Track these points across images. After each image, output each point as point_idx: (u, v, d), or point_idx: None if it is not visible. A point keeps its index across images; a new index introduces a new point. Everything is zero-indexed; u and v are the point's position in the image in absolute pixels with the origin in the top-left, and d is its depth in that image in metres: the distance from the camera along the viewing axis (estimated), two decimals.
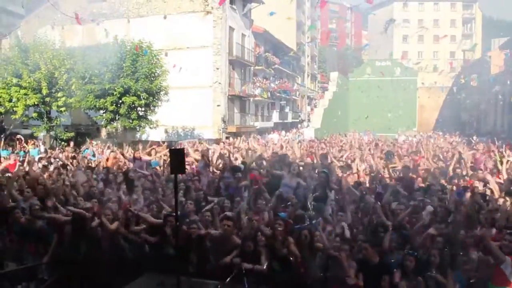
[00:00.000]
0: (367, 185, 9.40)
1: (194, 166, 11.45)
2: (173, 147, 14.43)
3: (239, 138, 19.20)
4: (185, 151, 10.52)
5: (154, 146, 14.45)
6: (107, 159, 12.64)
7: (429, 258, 5.52)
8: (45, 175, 9.45)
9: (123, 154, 12.48)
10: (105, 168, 11.04)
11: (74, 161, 12.72)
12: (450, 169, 10.82)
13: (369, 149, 15.37)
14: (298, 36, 46.03)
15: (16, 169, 10.53)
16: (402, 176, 9.64)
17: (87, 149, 17.21)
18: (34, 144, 17.49)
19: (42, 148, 17.70)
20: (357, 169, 10.71)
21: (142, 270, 5.82)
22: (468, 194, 7.70)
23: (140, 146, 13.99)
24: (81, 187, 8.49)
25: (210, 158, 11.56)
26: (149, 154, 13.24)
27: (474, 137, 24.12)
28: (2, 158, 12.54)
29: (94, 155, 15.34)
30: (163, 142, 18.63)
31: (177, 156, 5.13)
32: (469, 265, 5.39)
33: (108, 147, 15.83)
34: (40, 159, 12.94)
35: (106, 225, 6.28)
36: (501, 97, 37.13)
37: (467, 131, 40.69)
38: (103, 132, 23.71)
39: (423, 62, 57.47)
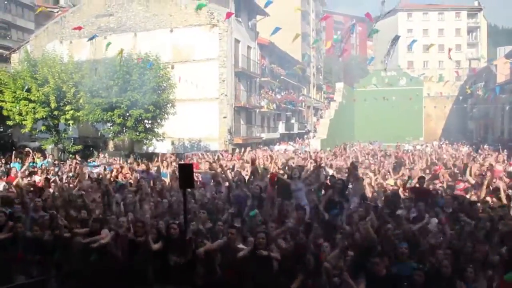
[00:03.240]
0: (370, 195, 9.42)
1: (200, 178, 11.44)
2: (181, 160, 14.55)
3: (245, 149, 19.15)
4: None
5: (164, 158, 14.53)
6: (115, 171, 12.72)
7: (440, 270, 5.39)
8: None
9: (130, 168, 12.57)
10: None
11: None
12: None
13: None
14: (303, 47, 46.30)
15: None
16: (419, 187, 9.54)
17: (94, 161, 17.35)
18: (33, 156, 17.23)
19: (49, 160, 17.80)
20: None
21: (150, 283, 5.84)
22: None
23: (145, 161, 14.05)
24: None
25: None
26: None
27: (486, 146, 23.69)
28: (14, 171, 12.60)
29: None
30: (173, 154, 18.66)
31: (185, 171, 5.27)
32: (479, 282, 5.29)
33: (110, 164, 15.72)
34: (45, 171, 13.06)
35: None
36: (508, 106, 36.98)
37: (474, 140, 40.45)
38: (110, 145, 23.93)
39: (429, 71, 57.42)
